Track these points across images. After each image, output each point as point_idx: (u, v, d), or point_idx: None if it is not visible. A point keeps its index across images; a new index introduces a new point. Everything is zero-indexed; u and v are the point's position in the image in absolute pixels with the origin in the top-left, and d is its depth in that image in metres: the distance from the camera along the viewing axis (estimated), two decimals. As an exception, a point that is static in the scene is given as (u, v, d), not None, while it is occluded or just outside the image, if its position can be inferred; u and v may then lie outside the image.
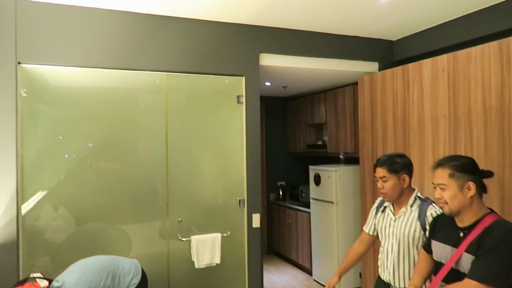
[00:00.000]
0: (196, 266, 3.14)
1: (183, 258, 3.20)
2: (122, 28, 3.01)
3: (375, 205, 2.37)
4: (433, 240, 1.79)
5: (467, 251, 1.58)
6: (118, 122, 3.06)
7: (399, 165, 2.12)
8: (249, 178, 3.42)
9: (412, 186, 2.20)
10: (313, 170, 4.82)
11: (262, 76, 4.08)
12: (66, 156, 2.89)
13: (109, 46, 2.97)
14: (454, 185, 1.65)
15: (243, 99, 3.40)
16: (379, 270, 2.26)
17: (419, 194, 2.17)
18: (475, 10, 3.17)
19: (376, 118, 3.77)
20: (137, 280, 2.53)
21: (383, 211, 2.26)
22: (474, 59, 2.82)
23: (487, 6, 3.08)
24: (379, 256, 2.29)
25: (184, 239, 3.17)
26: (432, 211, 2.04)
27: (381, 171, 2.12)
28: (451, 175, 1.66)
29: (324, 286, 4.60)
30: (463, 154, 2.87)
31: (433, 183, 1.74)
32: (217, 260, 3.20)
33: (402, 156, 2.18)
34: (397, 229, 2.13)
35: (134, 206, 3.08)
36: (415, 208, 2.11)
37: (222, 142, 3.41)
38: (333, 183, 4.43)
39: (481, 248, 1.52)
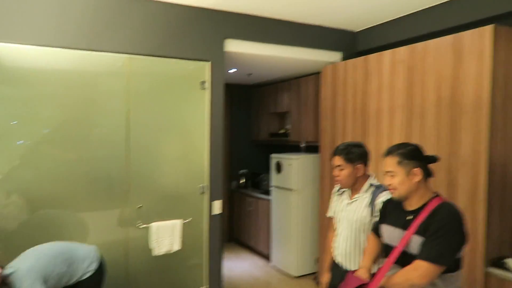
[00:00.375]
0: (156, 253, 3.11)
1: (143, 245, 3.15)
2: (83, 6, 2.88)
3: (334, 190, 2.45)
4: (383, 224, 1.87)
5: (416, 233, 1.66)
6: (77, 106, 2.94)
7: (355, 155, 2.21)
8: (211, 165, 3.41)
9: (369, 172, 2.28)
10: (274, 158, 4.88)
11: (227, 62, 4.05)
12: (21, 141, 2.76)
13: (69, 24, 2.84)
14: (402, 172, 1.74)
15: (208, 85, 3.37)
16: (334, 253, 2.35)
17: (374, 181, 2.26)
18: (433, 5, 3.30)
19: (337, 107, 3.86)
20: (94, 266, 2.48)
21: (341, 195, 2.36)
22: (430, 52, 2.94)
23: (444, 1, 3.21)
24: (334, 239, 2.37)
25: (144, 225, 3.12)
26: (383, 198, 2.12)
27: (338, 159, 2.21)
28: (399, 163, 1.76)
29: (282, 270, 4.70)
30: (416, 143, 3.01)
31: (383, 170, 1.83)
32: (176, 247, 3.18)
33: (360, 146, 2.27)
34: (349, 213, 2.23)
35: (92, 193, 2.99)
36: (368, 194, 2.21)
37: (185, 129, 3.37)
38: (293, 171, 4.51)
39: (428, 231, 1.61)
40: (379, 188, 2.22)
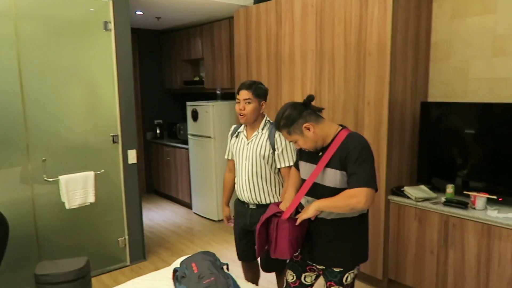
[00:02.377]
0: (67, 207, 2.94)
1: (52, 200, 2.95)
2: None
3: (229, 133, 2.50)
4: (301, 161, 1.96)
5: (330, 166, 1.76)
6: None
7: (262, 91, 2.29)
8: (122, 112, 3.23)
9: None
10: (190, 106, 4.78)
11: (133, 3, 3.73)
12: None
13: None
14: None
15: (111, 26, 3.09)
16: (237, 192, 2.43)
17: (269, 119, 2.37)
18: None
19: (251, 52, 3.84)
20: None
21: (237, 136, 2.41)
22: (339, -5, 3.02)
23: None
24: (235, 179, 2.45)
25: (50, 179, 2.90)
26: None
27: (246, 93, 2.23)
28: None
29: (203, 217, 4.79)
30: (326, 86, 3.15)
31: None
32: (91, 199, 3.03)
33: (262, 84, 2.33)
34: (250, 150, 2.31)
35: (-16, 147, 2.67)
36: (265, 131, 2.31)
37: (90, 75, 3.10)
38: (210, 119, 4.48)
39: (348, 162, 1.70)
40: (272, 124, 2.34)
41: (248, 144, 2.32)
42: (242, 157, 2.35)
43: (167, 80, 5.86)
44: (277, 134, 2.27)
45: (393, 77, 2.79)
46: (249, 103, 2.24)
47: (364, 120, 2.94)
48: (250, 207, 2.36)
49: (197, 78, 5.41)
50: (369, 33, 2.84)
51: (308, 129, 1.76)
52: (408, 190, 2.82)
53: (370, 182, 1.68)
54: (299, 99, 3.40)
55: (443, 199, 2.73)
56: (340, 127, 1.83)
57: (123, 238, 3.38)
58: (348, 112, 3.02)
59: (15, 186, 2.82)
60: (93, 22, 3.05)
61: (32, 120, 2.83)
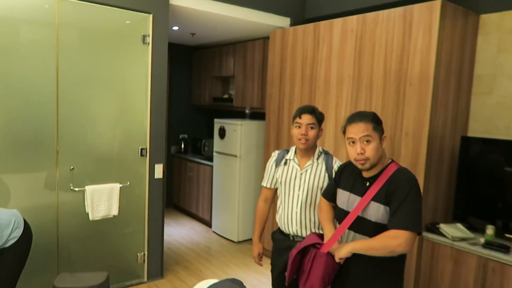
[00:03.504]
0: (91, 218, 2.90)
1: (76, 209, 2.93)
2: None
3: (273, 159, 2.35)
4: (339, 188, 1.86)
5: (374, 199, 1.67)
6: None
7: (322, 117, 2.20)
8: (152, 126, 3.21)
9: None
10: (218, 123, 4.75)
11: (170, 18, 3.77)
12: None
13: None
14: (377, 137, 1.66)
15: (149, 40, 3.11)
16: (280, 224, 2.27)
17: (322, 148, 2.27)
18: (384, -24, 3.30)
19: (285, 74, 3.80)
20: (18, 233, 2.23)
21: (286, 163, 2.27)
22: (381, 22, 2.96)
23: (396, -27, 3.22)
24: (279, 210, 2.28)
25: (77, 189, 2.88)
26: (338, 164, 2.17)
27: (310, 118, 2.13)
28: (374, 128, 1.67)
29: (222, 236, 4.69)
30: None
31: (352, 138, 1.70)
32: (114, 211, 2.99)
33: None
34: (305, 181, 2.18)
35: (15, 153, 2.67)
36: (321, 161, 2.20)
37: (124, 86, 3.11)
38: (237, 137, 4.43)
39: (394, 198, 1.60)
40: (328, 155, 2.24)
41: (302, 174, 2.20)
42: (294, 187, 2.20)
43: (195, 96, 5.88)
44: (335, 166, 2.16)
45: (434, 108, 2.68)
46: (312, 128, 2.13)
47: (401, 151, 2.82)
48: (296, 240, 2.20)
49: (226, 96, 5.41)
50: (411, 62, 2.75)
51: (383, 140, 1.69)
52: (444, 227, 2.67)
53: (414, 224, 1.57)
54: (333, 124, 3.32)
55: (482, 240, 2.57)
56: (391, 160, 1.74)
57: (142, 253, 3.31)
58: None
59: (40, 191, 2.81)
60: (132, 34, 3.07)
61: (64, 127, 2.83)
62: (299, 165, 2.22)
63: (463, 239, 2.61)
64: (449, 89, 2.78)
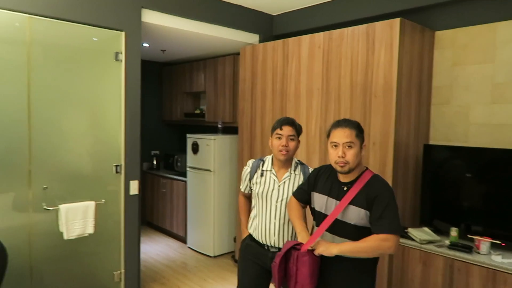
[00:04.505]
0: (65, 237, 2.85)
1: (50, 230, 2.87)
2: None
3: (248, 169, 2.36)
4: (315, 192, 1.95)
5: (353, 203, 1.77)
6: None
7: (301, 129, 2.28)
8: (127, 142, 3.22)
9: None
10: (191, 138, 4.79)
11: (142, 35, 3.81)
12: None
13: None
14: (358, 144, 1.79)
15: (122, 57, 3.14)
16: (256, 234, 2.27)
17: (297, 159, 2.34)
18: (347, -5, 3.50)
19: (256, 88, 3.90)
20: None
21: (262, 175, 2.28)
22: (346, 38, 3.13)
23: (358, -8, 3.43)
24: (255, 221, 2.30)
25: (50, 208, 2.83)
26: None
27: (291, 130, 2.20)
28: (356, 135, 1.80)
29: (198, 252, 4.68)
30: (332, 124, 3.20)
31: (336, 142, 1.81)
32: (90, 230, 2.96)
33: None
34: (283, 192, 2.22)
35: (-15, 172, 2.61)
36: (298, 172, 2.26)
37: (98, 104, 3.11)
38: (211, 152, 4.48)
39: (376, 204, 1.72)
40: (303, 165, 2.32)
41: (279, 185, 2.23)
42: (271, 199, 2.22)
43: (166, 111, 5.89)
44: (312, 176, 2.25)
45: (398, 118, 2.85)
46: (292, 139, 2.19)
47: (369, 160, 2.97)
48: (271, 250, 2.22)
49: (198, 111, 5.46)
50: (375, 76, 2.93)
51: (363, 147, 1.82)
52: (412, 231, 2.82)
53: (399, 228, 1.74)
54: (304, 136, 3.44)
55: (447, 242, 2.73)
56: (365, 167, 1.86)
57: (119, 272, 3.27)
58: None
59: (12, 213, 2.74)
60: (105, 51, 3.09)
61: (37, 146, 2.79)
62: (276, 176, 2.25)
63: (430, 242, 2.76)
64: (411, 100, 2.97)
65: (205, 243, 4.59)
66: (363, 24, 3.04)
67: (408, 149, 2.98)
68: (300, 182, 2.21)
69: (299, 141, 2.26)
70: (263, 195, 2.25)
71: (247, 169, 2.38)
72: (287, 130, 2.19)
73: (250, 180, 2.34)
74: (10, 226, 2.72)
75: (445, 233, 2.84)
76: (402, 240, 2.82)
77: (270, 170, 2.27)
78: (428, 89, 3.17)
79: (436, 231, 2.89)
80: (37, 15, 2.72)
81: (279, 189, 2.22)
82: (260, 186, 2.27)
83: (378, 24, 2.92)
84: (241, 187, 2.46)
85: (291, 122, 2.22)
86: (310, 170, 2.26)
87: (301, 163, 2.32)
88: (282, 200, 2.21)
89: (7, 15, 2.62)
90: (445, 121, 3.12)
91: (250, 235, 2.34)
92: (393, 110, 2.83)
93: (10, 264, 2.57)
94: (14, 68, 2.69)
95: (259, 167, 2.31)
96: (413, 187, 3.07)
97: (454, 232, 2.77)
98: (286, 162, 2.25)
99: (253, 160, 2.40)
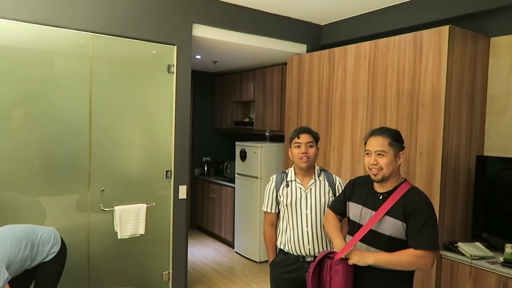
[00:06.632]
0: (119, 237, 3.07)
1: (105, 229, 3.10)
2: (43, -20, 2.75)
3: (272, 184, 2.36)
4: (350, 202, 1.95)
5: (390, 215, 1.76)
6: (35, 84, 2.81)
7: (318, 137, 2.35)
8: (177, 150, 3.39)
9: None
10: (239, 146, 4.92)
11: (193, 48, 4.01)
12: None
13: (27, -2, 2.70)
14: (391, 153, 1.79)
15: (174, 69, 3.33)
16: (290, 246, 2.26)
17: (319, 166, 2.37)
18: (395, 4, 3.45)
19: (302, 97, 3.95)
20: (56, 248, 2.42)
21: (288, 185, 2.29)
22: (392, 47, 3.09)
23: (405, 1, 3.37)
24: (287, 233, 2.28)
25: (107, 209, 3.07)
26: (339, 179, 2.32)
27: (308, 137, 2.25)
28: (390, 144, 1.80)
29: (245, 257, 4.77)
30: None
31: (368, 150, 1.84)
32: (141, 230, 3.15)
33: None
34: (311, 199, 2.24)
35: (51, 176, 2.88)
36: (322, 178, 2.30)
37: (151, 112, 3.32)
38: (258, 159, 4.57)
39: (414, 218, 1.70)
40: (326, 171, 2.35)
41: (307, 193, 2.26)
42: (301, 207, 2.24)
43: (217, 120, 6.09)
44: (337, 182, 2.28)
45: (447, 128, 2.76)
46: (311, 146, 2.24)
47: (416, 170, 2.89)
48: (307, 260, 2.22)
49: (247, 119, 5.59)
50: (423, 85, 2.86)
51: (399, 157, 1.81)
52: (462, 246, 2.70)
53: (436, 245, 1.70)
54: (349, 145, 3.42)
55: (501, 259, 2.58)
56: (404, 178, 1.84)
57: (167, 272, 3.44)
58: (399, 162, 2.99)
59: (73, 212, 3.00)
60: (158, 64, 3.30)
61: (96, 151, 3.04)
62: (302, 184, 2.28)
63: (482, 258, 2.62)
64: (462, 109, 2.86)
65: (251, 248, 4.68)
66: (410, 32, 2.99)
67: (458, 160, 2.87)
68: (326, 188, 2.25)
69: (318, 148, 2.30)
70: (292, 205, 2.27)
71: (272, 183, 2.38)
72: (304, 138, 2.24)
73: (276, 193, 2.34)
74: (71, 225, 2.98)
75: (499, 249, 2.69)
76: (451, 255, 2.71)
77: (295, 180, 2.30)
78: (483, 98, 3.03)
79: (489, 246, 2.74)
80: (98, 33, 2.99)
81: (306, 197, 2.26)
82: (287, 197, 2.28)
83: (426, 32, 2.86)
84: (264, 208, 2.40)
85: (307, 130, 2.28)
86: (334, 176, 2.30)
87: (324, 170, 2.36)
88: (311, 207, 2.24)
89: (74, 34, 2.90)
90: (501, 131, 2.96)
91: (281, 251, 2.34)
92: (441, 119, 2.74)
93: (69, 260, 2.81)
94: (79, 81, 2.96)
95: (283, 179, 2.33)
96: (464, 200, 2.94)
97: (509, 248, 2.60)
98: (309, 170, 2.28)
99: (275, 175, 2.41)
